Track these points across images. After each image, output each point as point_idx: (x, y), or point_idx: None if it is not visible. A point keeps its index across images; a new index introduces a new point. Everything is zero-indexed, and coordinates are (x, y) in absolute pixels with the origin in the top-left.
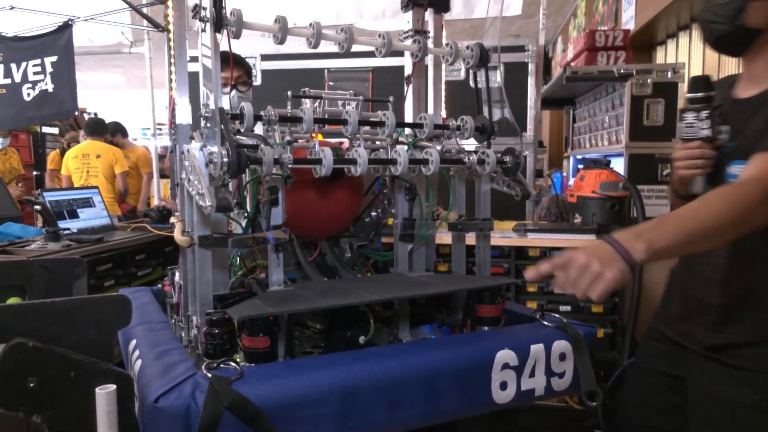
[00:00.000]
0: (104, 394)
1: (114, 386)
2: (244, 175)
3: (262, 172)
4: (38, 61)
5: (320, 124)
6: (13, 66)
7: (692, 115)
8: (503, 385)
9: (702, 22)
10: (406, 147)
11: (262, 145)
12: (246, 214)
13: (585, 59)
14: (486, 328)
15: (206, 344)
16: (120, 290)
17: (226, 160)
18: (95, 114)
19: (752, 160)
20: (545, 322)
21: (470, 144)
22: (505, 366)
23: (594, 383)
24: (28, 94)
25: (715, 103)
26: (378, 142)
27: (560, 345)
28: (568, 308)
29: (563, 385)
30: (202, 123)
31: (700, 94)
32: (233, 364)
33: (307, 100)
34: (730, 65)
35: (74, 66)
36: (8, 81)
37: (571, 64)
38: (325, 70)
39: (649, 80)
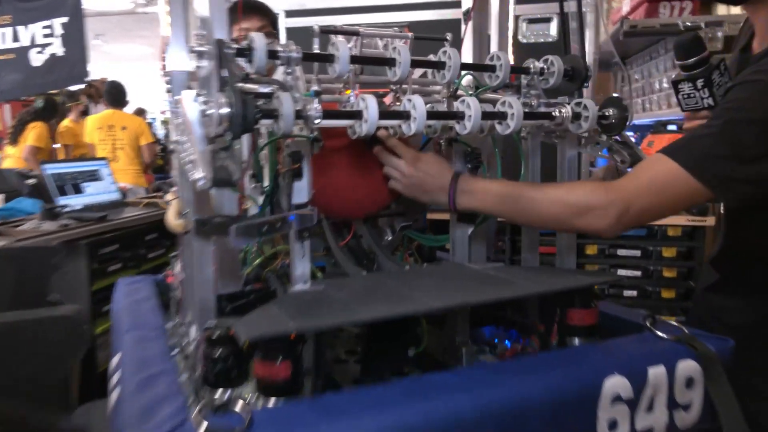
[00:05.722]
0: None
1: None
2: (259, 138)
3: (279, 129)
4: (48, 22)
5: (359, 64)
6: (21, 29)
7: (688, 86)
8: (612, 425)
9: None
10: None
11: (279, 92)
12: (264, 189)
13: (645, 11)
14: (577, 340)
15: (205, 369)
16: (118, 280)
17: (227, 111)
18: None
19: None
20: (659, 333)
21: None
22: (617, 399)
23: (741, 421)
24: (37, 59)
25: (714, 62)
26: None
27: (686, 366)
28: (638, 273)
29: (689, 420)
30: (196, 61)
31: (690, 61)
32: (240, 403)
33: (340, 37)
34: None
35: (84, 27)
36: (17, 45)
37: (629, 17)
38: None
39: (719, 34)
